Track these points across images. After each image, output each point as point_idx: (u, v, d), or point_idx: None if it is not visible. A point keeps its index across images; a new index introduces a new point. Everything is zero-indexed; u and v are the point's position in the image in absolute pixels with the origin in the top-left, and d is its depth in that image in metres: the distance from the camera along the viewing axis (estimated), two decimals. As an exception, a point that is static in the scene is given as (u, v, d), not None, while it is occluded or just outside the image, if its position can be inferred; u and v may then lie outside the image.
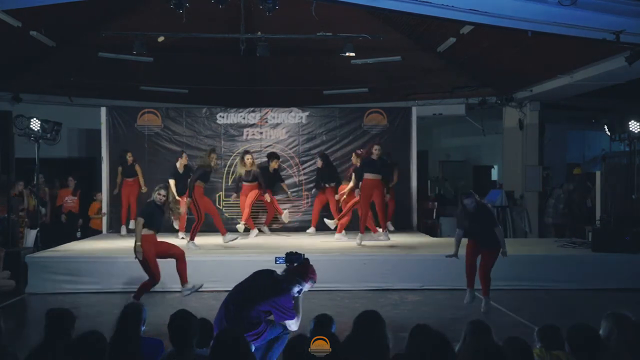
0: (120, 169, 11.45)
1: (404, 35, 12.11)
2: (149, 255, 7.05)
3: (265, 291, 4.62)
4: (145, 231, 7.06)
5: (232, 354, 3.16)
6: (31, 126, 9.70)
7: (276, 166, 11.07)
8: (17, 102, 13.01)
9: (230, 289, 4.85)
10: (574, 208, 12.48)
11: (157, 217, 7.19)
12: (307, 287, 4.78)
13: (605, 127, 10.57)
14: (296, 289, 4.72)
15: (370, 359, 3.43)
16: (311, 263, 4.87)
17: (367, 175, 9.60)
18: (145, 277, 7.25)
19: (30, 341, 5.03)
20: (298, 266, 4.83)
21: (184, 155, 10.86)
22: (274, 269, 4.88)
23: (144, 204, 8.14)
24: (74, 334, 3.81)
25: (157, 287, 7.42)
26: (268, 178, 10.81)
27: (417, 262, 8.85)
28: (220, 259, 8.78)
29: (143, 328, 4.05)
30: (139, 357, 3.78)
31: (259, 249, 9.61)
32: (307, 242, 10.27)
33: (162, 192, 7.22)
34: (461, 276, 8.34)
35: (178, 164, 10.74)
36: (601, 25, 7.63)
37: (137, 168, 11.34)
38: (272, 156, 11.11)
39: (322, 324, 3.83)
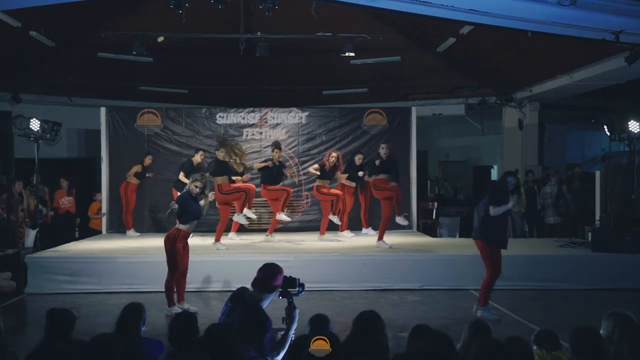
0: (139, 167, 11.29)
1: (404, 35, 12.12)
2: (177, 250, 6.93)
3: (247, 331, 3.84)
4: (182, 227, 6.95)
5: (222, 346, 3.16)
6: (31, 126, 9.69)
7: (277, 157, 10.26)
8: (16, 102, 13.04)
9: (229, 289, 4.69)
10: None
11: (191, 208, 6.97)
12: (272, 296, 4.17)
13: (605, 127, 10.56)
14: (265, 303, 4.13)
15: (370, 359, 3.42)
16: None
17: (382, 176, 9.51)
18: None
19: (30, 341, 5.02)
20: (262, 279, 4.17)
21: (200, 152, 10.91)
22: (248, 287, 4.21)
23: (177, 198, 7.53)
24: (74, 335, 3.81)
25: (157, 288, 7.39)
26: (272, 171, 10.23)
27: (417, 262, 8.84)
28: (220, 259, 8.77)
29: (143, 328, 4.06)
30: (139, 357, 3.77)
31: (259, 249, 9.62)
32: (308, 243, 10.27)
33: (198, 183, 7.01)
34: (461, 276, 8.37)
35: (193, 159, 10.83)
36: (601, 25, 7.64)
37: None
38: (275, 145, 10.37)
39: (318, 325, 3.78)
